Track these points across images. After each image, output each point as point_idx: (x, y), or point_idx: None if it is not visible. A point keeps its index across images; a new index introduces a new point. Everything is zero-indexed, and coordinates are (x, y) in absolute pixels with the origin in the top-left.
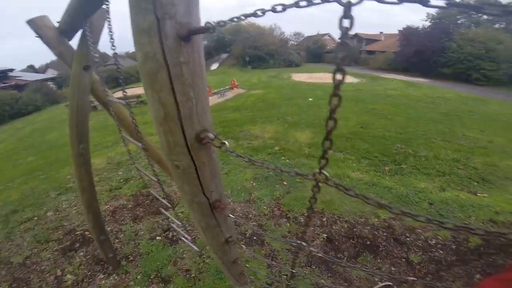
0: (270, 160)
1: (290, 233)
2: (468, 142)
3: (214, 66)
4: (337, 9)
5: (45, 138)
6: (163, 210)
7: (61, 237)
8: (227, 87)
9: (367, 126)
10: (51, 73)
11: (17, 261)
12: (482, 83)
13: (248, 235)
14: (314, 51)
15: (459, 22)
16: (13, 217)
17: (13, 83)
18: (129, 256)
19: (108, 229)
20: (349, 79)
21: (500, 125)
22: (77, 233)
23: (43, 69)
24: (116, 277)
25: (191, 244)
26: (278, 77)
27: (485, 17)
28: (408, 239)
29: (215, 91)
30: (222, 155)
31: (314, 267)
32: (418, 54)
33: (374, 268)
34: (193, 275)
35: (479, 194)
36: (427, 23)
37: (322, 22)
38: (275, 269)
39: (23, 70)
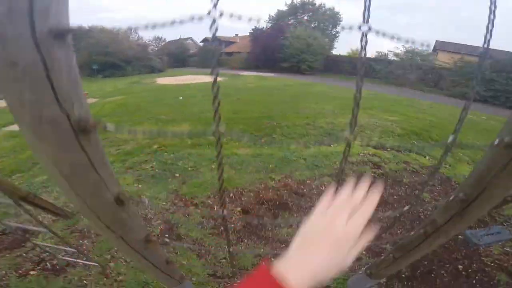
0: (153, 159)
1: (205, 218)
2: (311, 111)
3: None
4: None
5: None
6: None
7: None
8: None
9: (237, 112)
10: None
11: None
12: (308, 72)
13: (155, 235)
14: (177, 56)
15: (289, 22)
16: None
17: None
18: None
19: None
20: (211, 78)
21: (326, 98)
22: None
23: None
24: None
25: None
26: (141, 82)
27: (306, 17)
28: (304, 190)
29: None
30: None
31: (246, 240)
32: (264, 53)
33: (296, 222)
34: None
35: (332, 146)
36: (269, 25)
37: (183, 27)
38: (209, 257)
39: None
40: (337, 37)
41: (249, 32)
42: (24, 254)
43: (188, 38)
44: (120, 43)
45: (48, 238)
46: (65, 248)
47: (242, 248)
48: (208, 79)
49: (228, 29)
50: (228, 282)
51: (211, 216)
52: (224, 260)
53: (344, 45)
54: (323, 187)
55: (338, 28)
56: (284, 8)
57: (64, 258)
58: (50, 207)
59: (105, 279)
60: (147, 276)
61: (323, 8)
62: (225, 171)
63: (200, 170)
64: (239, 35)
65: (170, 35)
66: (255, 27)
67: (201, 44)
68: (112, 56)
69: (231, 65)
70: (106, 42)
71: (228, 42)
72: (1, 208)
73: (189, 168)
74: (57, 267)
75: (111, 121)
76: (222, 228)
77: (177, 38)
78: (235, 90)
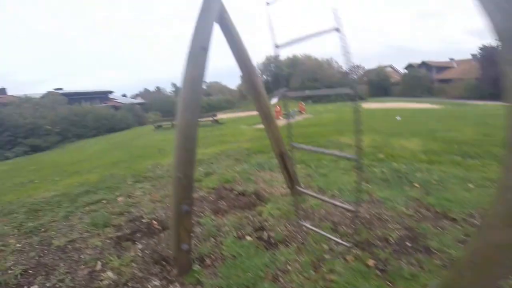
0: (378, 165)
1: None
2: None
3: (274, 101)
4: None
5: (132, 143)
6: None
7: (123, 223)
8: (295, 109)
9: (489, 135)
10: (139, 101)
11: (57, 244)
12: None
13: (393, 240)
14: (378, 84)
15: None
16: (82, 197)
17: (111, 104)
18: (206, 259)
19: None
20: (426, 106)
21: None
22: (143, 221)
23: (134, 97)
24: None
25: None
26: (347, 105)
27: None
28: None
29: (285, 112)
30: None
31: None
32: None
33: None
34: None
35: None
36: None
37: (376, 55)
38: None
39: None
40: None
41: (477, 52)
42: (250, 217)
43: (387, 66)
44: (325, 70)
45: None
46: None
47: None
48: (417, 106)
49: (438, 54)
50: None
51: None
52: None
53: None
54: None
55: None
56: None
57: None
58: (291, 172)
59: (312, 272)
60: (363, 285)
61: None
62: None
63: (448, 186)
64: (455, 59)
65: (368, 63)
66: (483, 45)
67: (405, 71)
68: (319, 82)
69: (450, 94)
70: (314, 69)
71: (441, 67)
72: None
73: (433, 181)
74: (271, 241)
75: (331, 128)
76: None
77: (375, 67)
78: (470, 115)
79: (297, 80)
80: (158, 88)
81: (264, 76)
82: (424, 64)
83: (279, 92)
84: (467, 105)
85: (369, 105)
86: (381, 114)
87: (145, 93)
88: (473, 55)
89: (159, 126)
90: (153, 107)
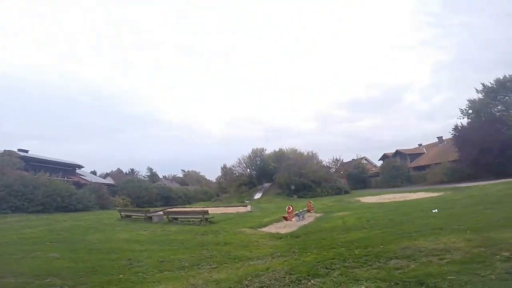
0: None
1: None
2: None
3: (258, 196)
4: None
5: (86, 237)
6: None
7: None
8: (305, 209)
9: None
10: (109, 181)
11: None
12: None
13: None
14: (357, 177)
15: (498, 108)
16: None
17: (76, 179)
18: None
19: None
20: (424, 194)
21: None
22: None
23: (103, 177)
24: None
25: None
26: (344, 201)
27: None
28: None
29: (296, 212)
30: None
31: None
32: (483, 154)
33: None
34: None
35: None
36: (466, 121)
37: (347, 148)
38: None
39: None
40: None
41: (450, 133)
42: None
43: (362, 158)
44: (310, 165)
45: None
46: None
47: None
48: (416, 196)
49: (406, 141)
50: None
51: None
52: None
53: None
54: None
55: None
56: (479, 96)
57: None
58: None
59: None
60: None
61: None
62: None
63: None
64: (423, 144)
65: (345, 156)
66: (456, 126)
67: (379, 162)
68: (304, 177)
69: (430, 180)
70: (299, 163)
71: (413, 154)
72: None
73: None
74: None
75: (379, 232)
76: None
77: (351, 159)
78: (497, 197)
79: (283, 175)
80: (132, 170)
81: (248, 170)
82: (398, 153)
83: (263, 187)
84: (465, 188)
85: (366, 199)
86: (404, 209)
87: (117, 174)
88: (439, 138)
89: (127, 216)
90: (123, 191)
